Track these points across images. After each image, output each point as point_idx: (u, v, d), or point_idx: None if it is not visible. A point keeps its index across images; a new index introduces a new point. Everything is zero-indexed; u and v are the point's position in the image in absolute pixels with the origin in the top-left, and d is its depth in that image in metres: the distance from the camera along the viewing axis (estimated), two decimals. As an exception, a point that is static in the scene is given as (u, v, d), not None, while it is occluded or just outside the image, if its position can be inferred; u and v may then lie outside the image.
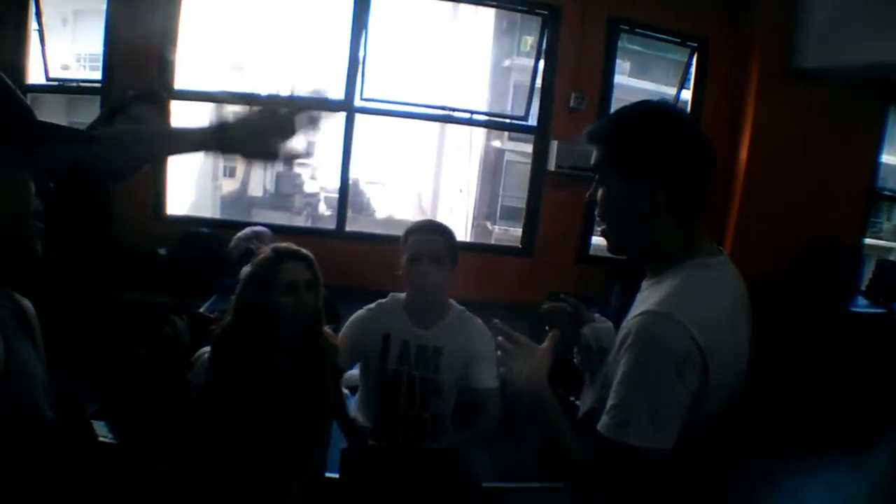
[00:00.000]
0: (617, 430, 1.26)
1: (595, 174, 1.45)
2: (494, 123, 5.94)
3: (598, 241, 6.01)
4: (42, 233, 1.03)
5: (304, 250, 2.34)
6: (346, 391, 2.98)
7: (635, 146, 1.37)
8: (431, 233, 2.46)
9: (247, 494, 2.22)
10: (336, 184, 5.18)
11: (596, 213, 1.47)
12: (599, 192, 1.44)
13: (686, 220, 1.38)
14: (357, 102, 4.98)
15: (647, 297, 1.35)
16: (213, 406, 2.30)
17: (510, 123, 5.89)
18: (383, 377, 2.45)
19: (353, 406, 2.66)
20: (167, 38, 4.90)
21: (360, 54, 4.86)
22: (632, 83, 10.68)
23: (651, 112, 1.46)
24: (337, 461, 2.50)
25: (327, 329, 2.39)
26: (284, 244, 2.40)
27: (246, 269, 2.33)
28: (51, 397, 1.10)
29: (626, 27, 5.06)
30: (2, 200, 0.96)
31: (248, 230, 4.37)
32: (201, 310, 3.10)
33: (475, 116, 5.27)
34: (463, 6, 5.66)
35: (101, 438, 2.83)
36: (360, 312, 2.55)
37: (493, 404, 2.40)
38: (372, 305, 2.56)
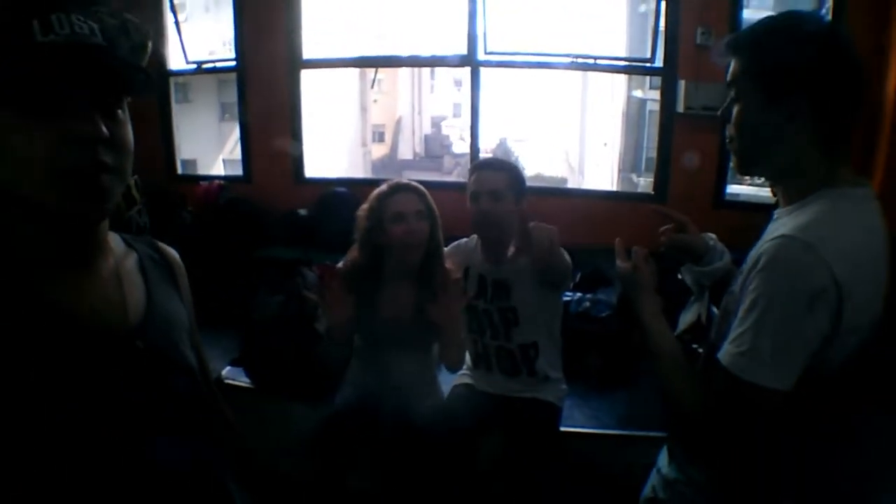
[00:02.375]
0: (737, 362, 1.21)
1: (731, 88, 1.35)
2: (616, 67, 5.69)
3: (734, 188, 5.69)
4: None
5: (415, 183, 2.44)
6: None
7: (781, 57, 1.27)
8: (491, 170, 2.49)
9: (378, 433, 2.39)
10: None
11: (727, 131, 1.38)
12: (735, 109, 1.34)
13: (832, 145, 1.28)
14: (480, 56, 4.98)
15: (784, 224, 1.26)
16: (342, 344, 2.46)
17: (631, 66, 5.71)
18: (467, 309, 2.54)
19: None
20: (293, 13, 5.18)
21: (479, 4, 4.84)
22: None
23: (800, 22, 1.32)
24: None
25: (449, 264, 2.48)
26: (398, 180, 2.51)
27: (362, 206, 2.45)
28: (196, 347, 1.15)
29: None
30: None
31: (384, 185, 4.57)
32: (339, 264, 3.28)
33: (598, 62, 5.11)
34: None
35: (238, 384, 3.11)
36: (450, 246, 2.66)
37: None
38: (460, 240, 2.69)
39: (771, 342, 1.18)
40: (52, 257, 0.93)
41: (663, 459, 1.61)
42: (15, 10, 0.86)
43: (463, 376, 2.69)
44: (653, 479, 1.63)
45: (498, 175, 2.46)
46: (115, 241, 1.08)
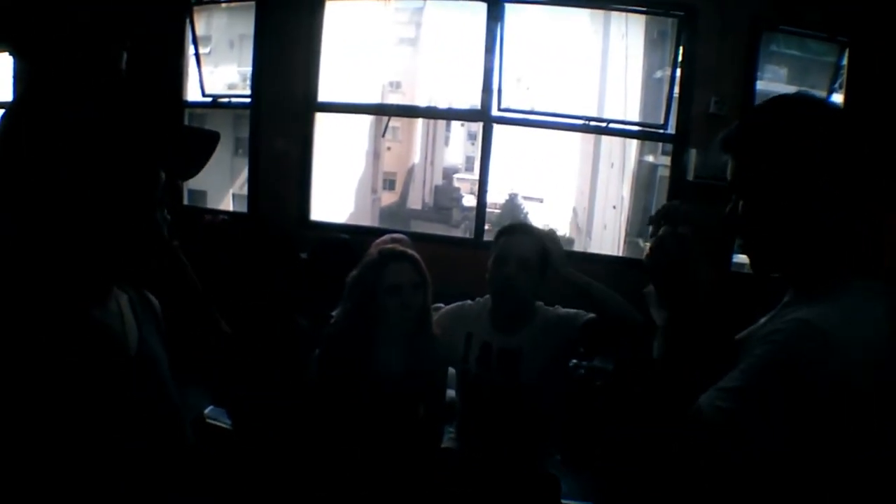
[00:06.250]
0: (715, 412, 1.16)
1: (733, 190, 1.29)
2: (628, 132, 5.73)
3: (741, 257, 5.64)
4: (168, 223, 1.12)
5: (409, 251, 2.36)
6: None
7: (779, 152, 1.21)
8: (524, 235, 2.35)
9: (360, 494, 2.27)
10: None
11: (739, 231, 1.31)
12: (740, 210, 1.28)
13: (848, 232, 1.22)
14: (494, 112, 4.99)
15: (801, 309, 1.20)
16: (324, 404, 2.38)
17: (643, 132, 5.73)
18: (465, 379, 2.42)
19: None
20: (311, 55, 5.21)
21: (495, 62, 4.87)
22: (789, 90, 10.04)
23: (791, 108, 1.26)
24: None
25: (437, 329, 2.39)
26: (391, 246, 2.44)
27: (353, 273, 2.38)
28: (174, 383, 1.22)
29: (768, 25, 4.60)
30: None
31: (386, 237, 4.52)
32: (333, 312, 3.24)
33: (611, 125, 5.11)
34: (612, 15, 5.51)
35: (219, 424, 3.02)
36: (451, 306, 2.54)
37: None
38: (465, 302, 2.53)
39: (753, 414, 1.14)
40: (105, 284, 1.09)
41: None
42: None
43: (450, 441, 2.55)
44: None
45: (530, 242, 2.34)
46: None
